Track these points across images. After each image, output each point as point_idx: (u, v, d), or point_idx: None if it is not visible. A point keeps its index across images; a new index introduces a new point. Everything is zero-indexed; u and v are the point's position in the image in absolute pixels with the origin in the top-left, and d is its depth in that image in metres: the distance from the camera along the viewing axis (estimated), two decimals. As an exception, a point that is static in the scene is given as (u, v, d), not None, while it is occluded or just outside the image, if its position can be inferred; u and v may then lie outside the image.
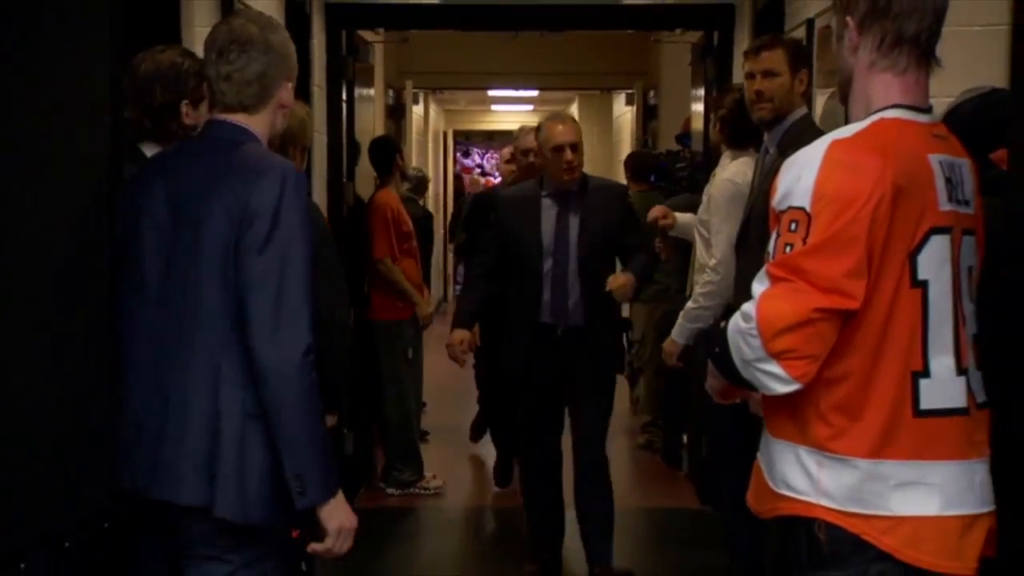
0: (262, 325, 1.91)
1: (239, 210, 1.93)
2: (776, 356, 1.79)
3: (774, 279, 1.81)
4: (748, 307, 1.84)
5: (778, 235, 1.85)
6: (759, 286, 1.85)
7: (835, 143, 1.85)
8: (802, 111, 3.34)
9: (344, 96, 5.64)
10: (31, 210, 1.86)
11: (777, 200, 1.88)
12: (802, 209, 1.81)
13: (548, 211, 4.01)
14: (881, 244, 1.80)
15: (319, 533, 1.99)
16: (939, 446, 1.87)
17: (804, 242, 1.79)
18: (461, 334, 4.10)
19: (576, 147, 3.94)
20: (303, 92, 4.68)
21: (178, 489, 1.93)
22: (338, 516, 1.97)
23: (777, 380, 1.80)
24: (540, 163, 4.68)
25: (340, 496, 1.98)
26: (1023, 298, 2.06)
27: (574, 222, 3.97)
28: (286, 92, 2.13)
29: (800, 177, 1.84)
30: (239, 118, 2.07)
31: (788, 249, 1.81)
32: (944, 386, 1.87)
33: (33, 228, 1.86)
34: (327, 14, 5.38)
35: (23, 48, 1.85)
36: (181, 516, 1.96)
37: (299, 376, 1.89)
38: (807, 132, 3.00)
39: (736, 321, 1.85)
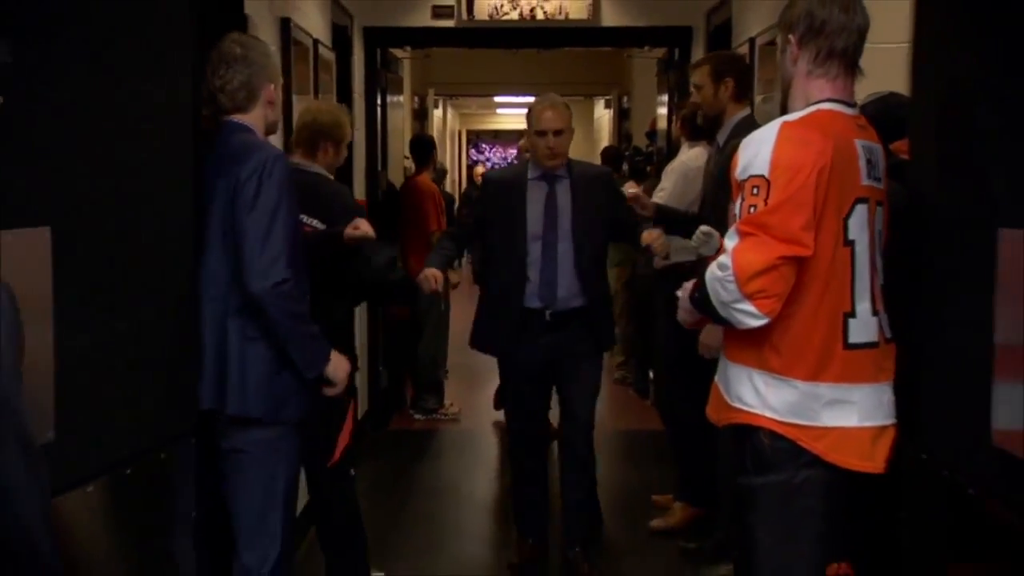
0: (251, 265, 2.05)
1: (233, 181, 2.06)
2: (750, 297, 1.76)
3: (743, 235, 1.78)
4: (723, 259, 1.80)
5: (743, 199, 1.83)
6: (731, 242, 1.82)
7: (785, 124, 1.84)
8: (744, 112, 3.25)
9: (379, 102, 5.65)
10: (134, 185, 1.87)
11: (739, 172, 1.85)
12: (762, 176, 1.78)
13: (535, 194, 3.22)
14: (821, 206, 1.78)
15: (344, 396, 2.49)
16: (859, 372, 1.86)
17: (766, 203, 1.77)
18: (431, 271, 3.23)
19: (560, 133, 3.17)
20: (345, 99, 4.64)
21: (199, 398, 2.10)
22: (336, 369, 2.23)
23: (751, 316, 1.78)
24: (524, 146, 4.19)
25: (332, 358, 2.22)
26: (919, 259, 2.02)
27: (565, 204, 3.20)
28: (270, 92, 2.23)
29: (758, 152, 1.81)
30: (238, 116, 2.18)
31: (752, 210, 1.79)
32: (864, 325, 1.86)
33: (136, 200, 1.87)
34: (365, 36, 5.36)
35: (133, 65, 1.85)
36: (207, 419, 2.13)
37: (280, 299, 2.05)
38: (751, 128, 2.89)
39: (713, 270, 1.82)
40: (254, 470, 2.16)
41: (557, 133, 3.14)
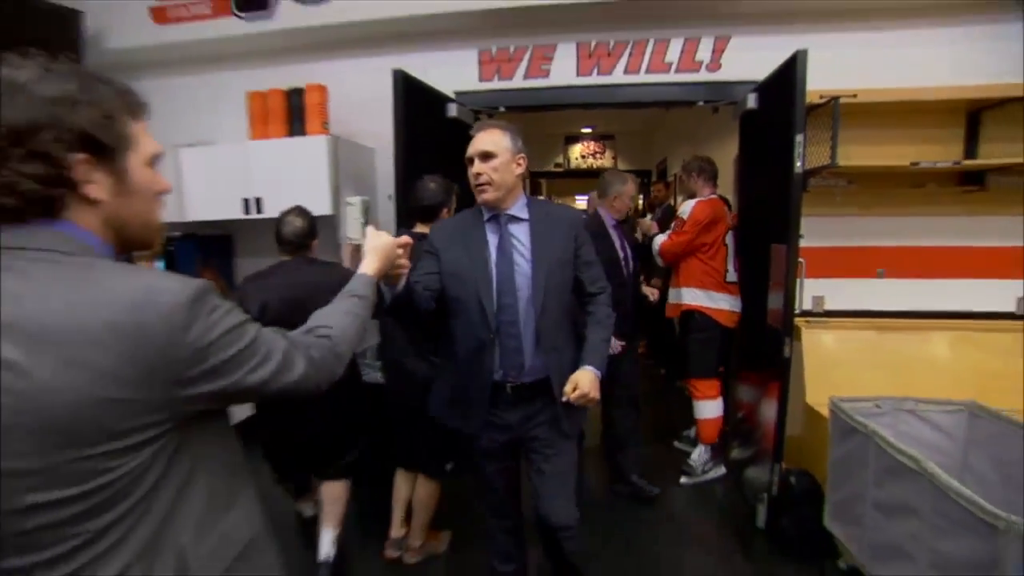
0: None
1: None
2: (660, 257, 2.75)
3: (669, 236, 2.72)
4: (657, 241, 2.73)
5: (676, 222, 2.75)
6: (662, 236, 2.74)
7: (698, 203, 2.76)
8: (668, 201, 4.28)
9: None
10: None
11: (679, 212, 2.77)
12: (682, 219, 2.72)
13: (492, 241, 1.68)
14: (711, 234, 2.72)
15: None
16: (729, 291, 2.76)
17: (682, 228, 2.70)
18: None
19: (489, 157, 1.62)
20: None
21: None
22: None
23: (657, 259, 2.76)
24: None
25: None
26: (743, 259, 2.76)
27: (521, 252, 1.65)
28: None
29: (684, 209, 2.75)
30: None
31: (676, 227, 2.72)
32: (731, 275, 2.78)
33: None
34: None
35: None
36: None
37: None
38: (668, 208, 3.99)
39: (654, 244, 2.78)
40: None
41: (485, 157, 1.63)
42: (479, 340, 1.64)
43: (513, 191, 1.66)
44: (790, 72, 2.22)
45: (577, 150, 7.73)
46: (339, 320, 0.95)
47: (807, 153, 2.34)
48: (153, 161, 0.79)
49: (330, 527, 2.14)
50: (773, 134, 2.37)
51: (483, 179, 1.61)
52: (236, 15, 3.11)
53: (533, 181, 7.97)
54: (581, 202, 9.35)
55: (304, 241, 2.12)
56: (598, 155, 7.72)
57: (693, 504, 2.74)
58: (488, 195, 1.63)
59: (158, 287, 0.70)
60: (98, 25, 3.13)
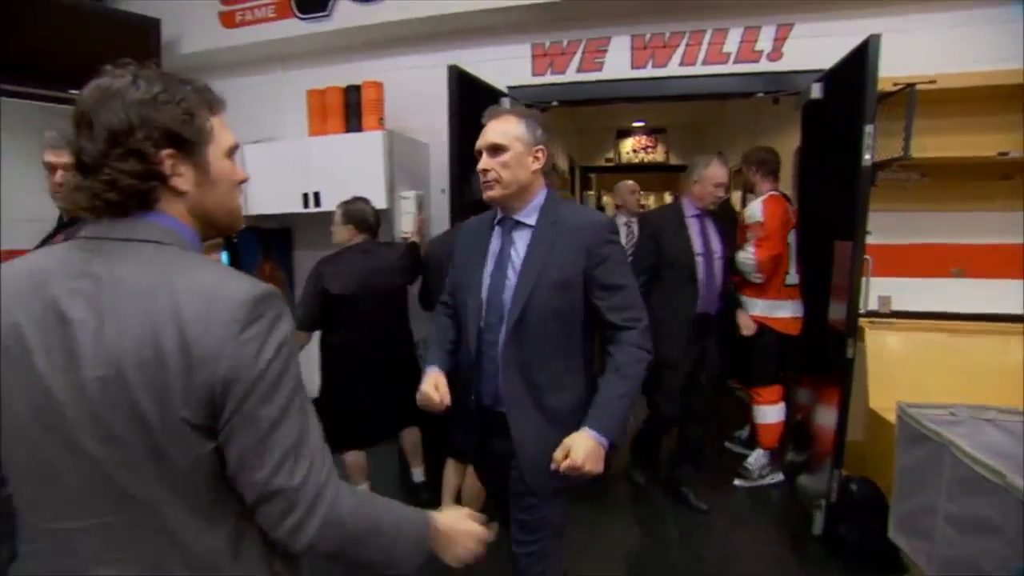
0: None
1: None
2: (760, 274, 2.61)
3: (757, 245, 2.60)
4: (749, 256, 2.56)
5: (752, 231, 2.64)
6: (751, 248, 2.59)
7: (765, 203, 2.67)
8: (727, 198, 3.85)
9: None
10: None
11: (745, 218, 2.70)
12: (759, 223, 2.62)
13: (494, 248, 1.43)
14: (785, 232, 2.66)
15: None
16: (789, 296, 2.69)
17: (763, 229, 2.59)
18: (435, 377, 1.40)
19: (499, 150, 1.36)
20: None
21: None
22: None
23: (755, 278, 2.62)
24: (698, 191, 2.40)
25: None
26: (807, 256, 2.67)
27: (515, 265, 1.38)
28: None
29: (754, 211, 2.66)
30: None
31: (758, 233, 2.60)
32: (792, 278, 2.71)
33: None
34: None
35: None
36: None
37: None
38: (727, 205, 3.63)
39: (743, 261, 2.63)
40: None
41: (495, 151, 1.38)
42: (468, 357, 1.42)
43: (528, 189, 1.38)
44: (861, 59, 2.14)
45: (629, 144, 7.72)
46: (371, 509, 0.83)
47: (875, 145, 2.20)
48: (231, 153, 0.84)
49: (416, 467, 2.62)
50: (839, 125, 2.30)
51: (490, 176, 1.36)
52: (297, 16, 3.19)
53: (583, 176, 7.91)
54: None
55: (378, 226, 2.50)
56: (649, 149, 7.69)
57: (746, 507, 2.73)
58: (493, 192, 1.37)
59: (231, 284, 0.75)
60: (172, 32, 3.32)
